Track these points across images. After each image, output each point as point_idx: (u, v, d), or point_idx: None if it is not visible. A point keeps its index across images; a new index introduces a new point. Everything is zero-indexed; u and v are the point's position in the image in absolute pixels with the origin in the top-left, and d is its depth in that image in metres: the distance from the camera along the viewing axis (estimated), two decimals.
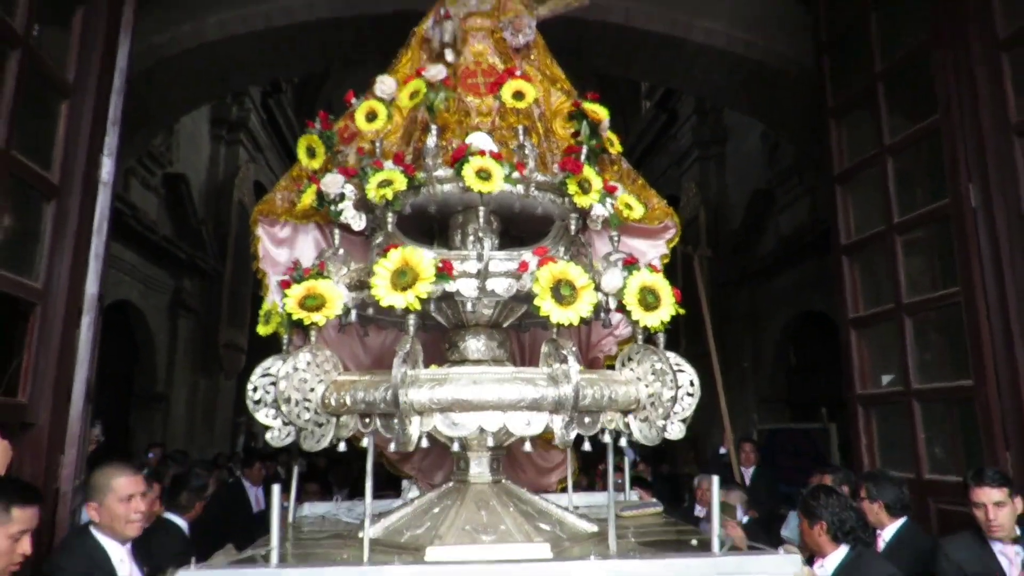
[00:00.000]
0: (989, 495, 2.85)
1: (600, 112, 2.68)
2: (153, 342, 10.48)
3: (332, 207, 2.60)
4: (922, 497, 3.87)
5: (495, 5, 3.12)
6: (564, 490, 3.22)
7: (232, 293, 12.31)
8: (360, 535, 2.26)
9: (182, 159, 10.94)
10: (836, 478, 4.10)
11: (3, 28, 2.91)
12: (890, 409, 4.40)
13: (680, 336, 10.05)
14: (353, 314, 2.55)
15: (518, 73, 2.67)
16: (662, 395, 2.46)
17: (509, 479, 2.74)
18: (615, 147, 2.85)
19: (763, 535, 3.92)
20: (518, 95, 2.59)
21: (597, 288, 2.42)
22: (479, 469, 2.62)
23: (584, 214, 2.66)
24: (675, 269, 6.12)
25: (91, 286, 3.34)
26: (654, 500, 3.47)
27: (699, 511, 4.92)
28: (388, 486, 3.54)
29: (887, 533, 3.26)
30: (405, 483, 3.35)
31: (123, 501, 2.59)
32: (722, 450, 6.18)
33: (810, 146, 7.12)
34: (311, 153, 2.80)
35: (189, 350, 11.57)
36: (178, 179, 10.73)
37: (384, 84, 2.64)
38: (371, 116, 2.58)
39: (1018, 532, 2.89)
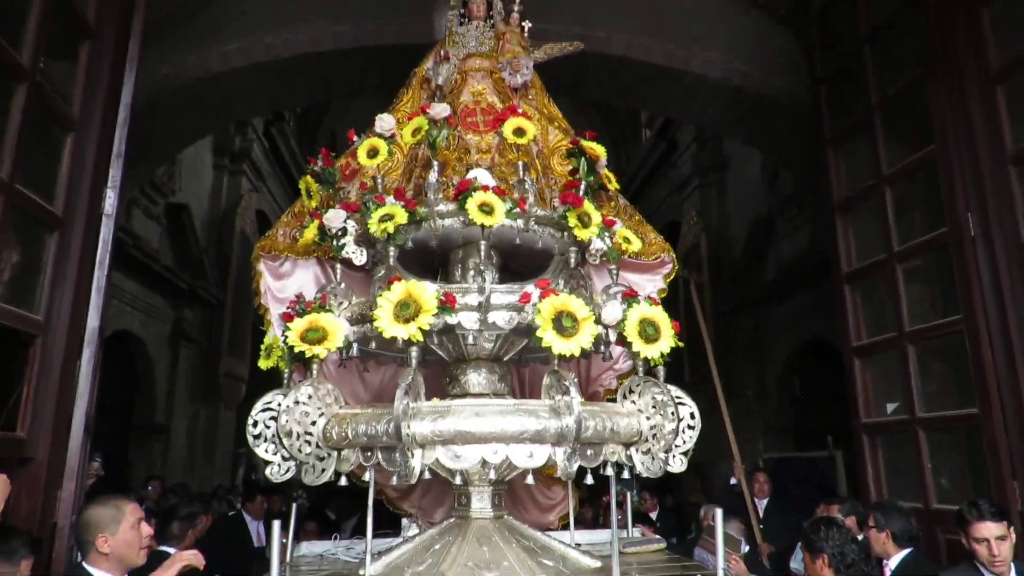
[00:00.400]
0: (991, 530, 2.81)
1: (598, 149, 2.73)
2: (153, 372, 10.46)
3: (334, 242, 2.63)
4: (930, 527, 3.83)
5: (494, 47, 3.20)
6: (566, 527, 3.18)
7: (233, 322, 12.30)
8: (361, 573, 2.23)
9: (184, 188, 11.01)
10: (843, 509, 4.06)
11: (10, 63, 2.95)
12: (896, 438, 4.37)
13: (683, 364, 10.02)
14: (355, 348, 2.55)
15: (519, 111, 2.71)
16: (663, 427, 2.46)
17: (511, 515, 2.72)
18: (612, 183, 2.89)
19: (776, 569, 3.86)
20: (519, 131, 2.63)
21: (598, 320, 2.42)
22: (481, 504, 2.59)
23: (583, 248, 2.68)
24: (676, 297, 6.11)
25: (92, 318, 3.34)
26: (657, 536, 3.44)
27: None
28: (388, 524, 3.51)
29: (893, 563, 3.23)
30: (405, 521, 3.31)
31: (134, 527, 2.61)
32: (732, 481, 6.06)
33: (809, 174, 7.17)
34: (310, 194, 2.85)
35: (189, 380, 11.53)
36: (180, 209, 10.80)
37: (383, 121, 2.70)
38: (372, 153, 2.63)
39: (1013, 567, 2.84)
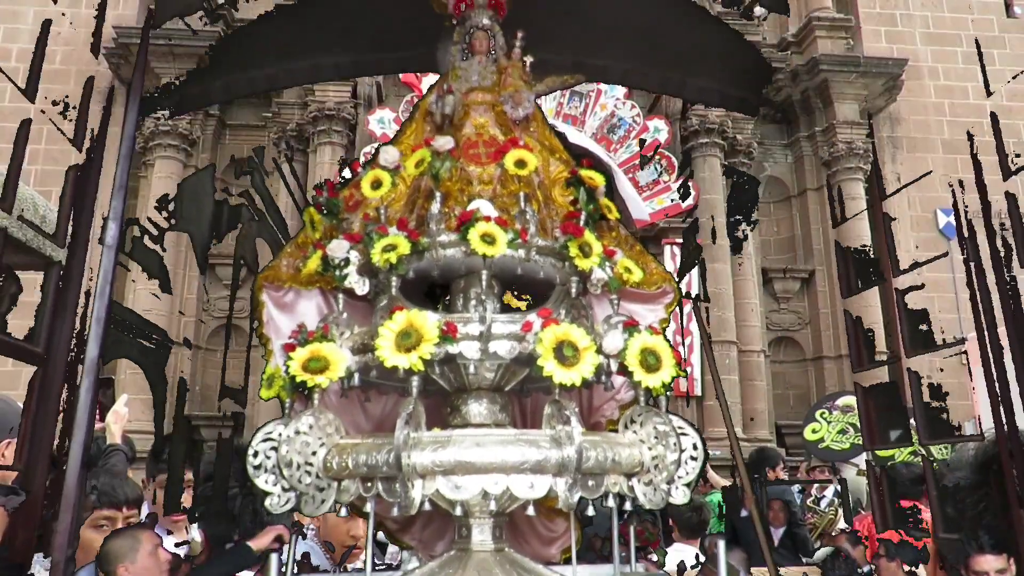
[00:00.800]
0: (990, 563, 2.78)
1: (596, 178, 2.75)
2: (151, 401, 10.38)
3: (337, 271, 2.64)
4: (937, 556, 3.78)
5: (496, 81, 3.24)
6: (567, 561, 3.14)
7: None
8: None
9: (185, 215, 11.03)
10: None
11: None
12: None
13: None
14: (356, 377, 2.55)
15: (520, 143, 2.75)
16: (665, 457, 2.45)
17: (512, 548, 2.69)
18: (612, 213, 2.91)
19: None
20: (520, 163, 2.67)
21: (599, 350, 2.42)
22: (481, 536, 2.56)
23: (584, 278, 2.69)
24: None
25: (92, 349, 3.33)
26: (662, 572, 3.40)
27: None
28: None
29: None
30: (404, 554, 3.27)
31: (152, 554, 2.62)
32: (743, 513, 5.98)
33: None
34: (314, 225, 2.89)
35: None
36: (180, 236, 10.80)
37: (387, 154, 2.73)
38: (376, 184, 2.66)
39: None
